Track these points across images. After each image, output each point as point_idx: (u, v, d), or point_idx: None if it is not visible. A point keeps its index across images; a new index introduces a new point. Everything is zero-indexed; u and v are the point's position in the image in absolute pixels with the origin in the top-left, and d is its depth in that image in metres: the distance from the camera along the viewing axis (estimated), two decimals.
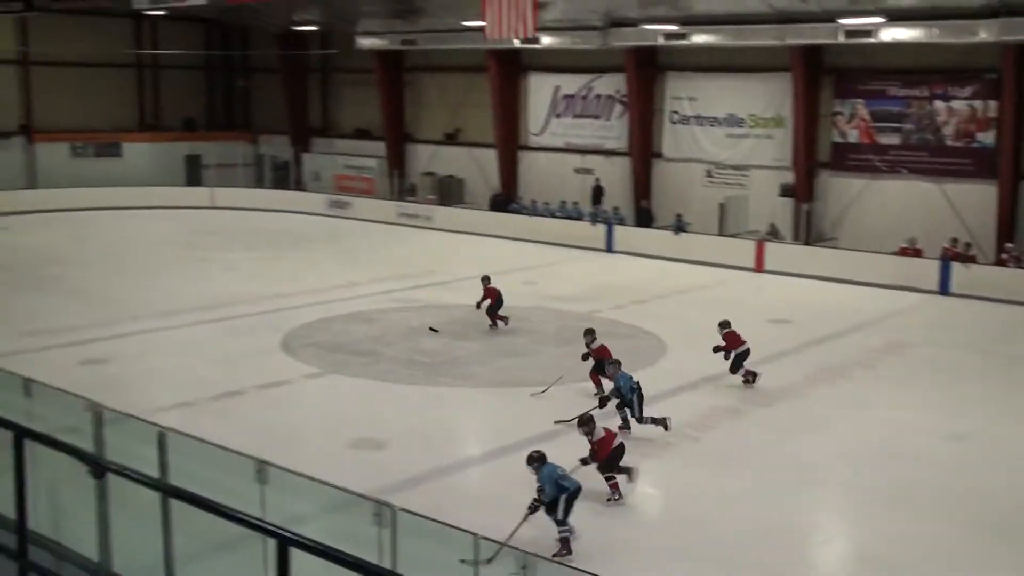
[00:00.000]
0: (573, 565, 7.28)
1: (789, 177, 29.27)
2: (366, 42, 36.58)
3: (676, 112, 31.69)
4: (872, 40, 25.96)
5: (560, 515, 10.54)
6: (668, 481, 13.39)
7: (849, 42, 26.48)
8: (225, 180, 40.22)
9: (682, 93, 31.51)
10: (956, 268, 24.91)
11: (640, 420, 14.27)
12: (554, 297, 23.82)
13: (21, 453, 5.06)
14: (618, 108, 32.89)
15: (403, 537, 6.88)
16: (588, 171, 33.70)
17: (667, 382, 16.82)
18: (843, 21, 25.89)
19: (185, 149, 41.65)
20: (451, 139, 37.66)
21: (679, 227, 29.68)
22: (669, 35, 29.16)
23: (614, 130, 33.08)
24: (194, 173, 41.45)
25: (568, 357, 17.84)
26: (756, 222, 29.31)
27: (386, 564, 6.67)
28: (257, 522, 4.36)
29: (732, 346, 16.67)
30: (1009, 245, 25.06)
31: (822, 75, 28.62)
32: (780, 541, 11.23)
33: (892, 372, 18.26)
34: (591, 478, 11.71)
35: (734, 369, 16.64)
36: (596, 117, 33.60)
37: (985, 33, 24.13)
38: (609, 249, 30.69)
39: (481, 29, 24.65)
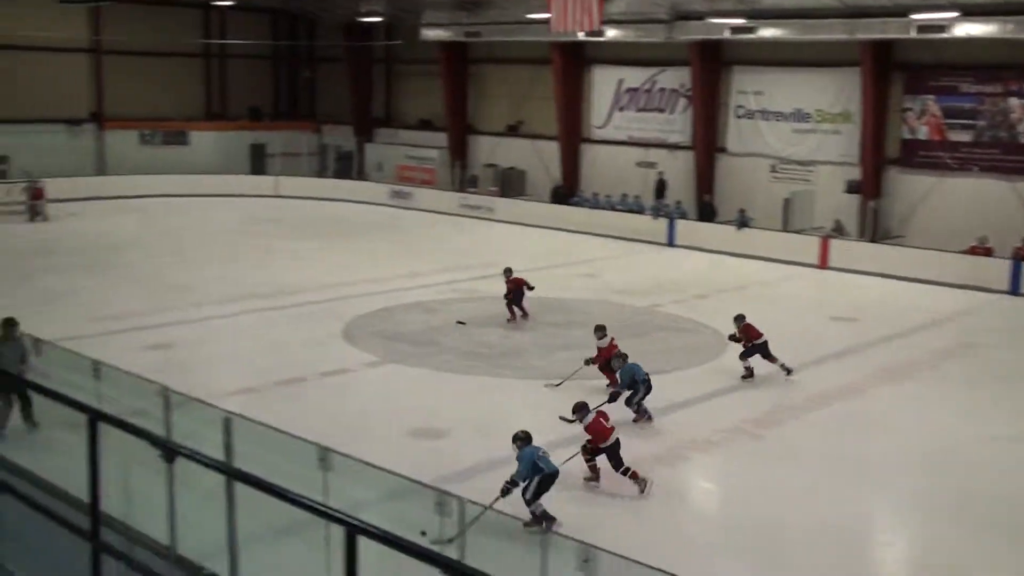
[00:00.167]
0: (633, 558, 7.24)
1: (856, 173, 28.80)
2: (431, 33, 36.71)
3: (741, 106, 31.36)
4: (945, 35, 25.44)
5: (528, 495, 10.56)
6: (727, 478, 13.28)
7: (921, 37, 25.98)
8: (289, 169, 40.68)
9: (748, 87, 31.17)
10: None
11: (634, 406, 14.19)
12: (614, 290, 23.72)
13: (95, 436, 5.16)
14: (682, 102, 32.64)
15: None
16: (650, 165, 33.50)
17: (728, 378, 16.69)
18: (915, 16, 25.41)
19: (250, 138, 42.18)
20: (513, 131, 37.66)
21: (742, 222, 29.39)
22: (735, 29, 28.86)
23: (677, 124, 32.83)
24: (259, 162, 41.96)
25: (627, 348, 17.73)
26: (821, 218, 28.90)
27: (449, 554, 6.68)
28: (325, 509, 4.40)
29: (751, 339, 16.60)
30: None
31: (892, 70, 28.11)
32: (839, 541, 11.08)
33: (958, 374, 17.92)
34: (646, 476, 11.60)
35: (744, 356, 16.54)
36: (660, 111, 33.38)
37: None
38: (671, 243, 30.49)
39: (546, 22, 24.63)
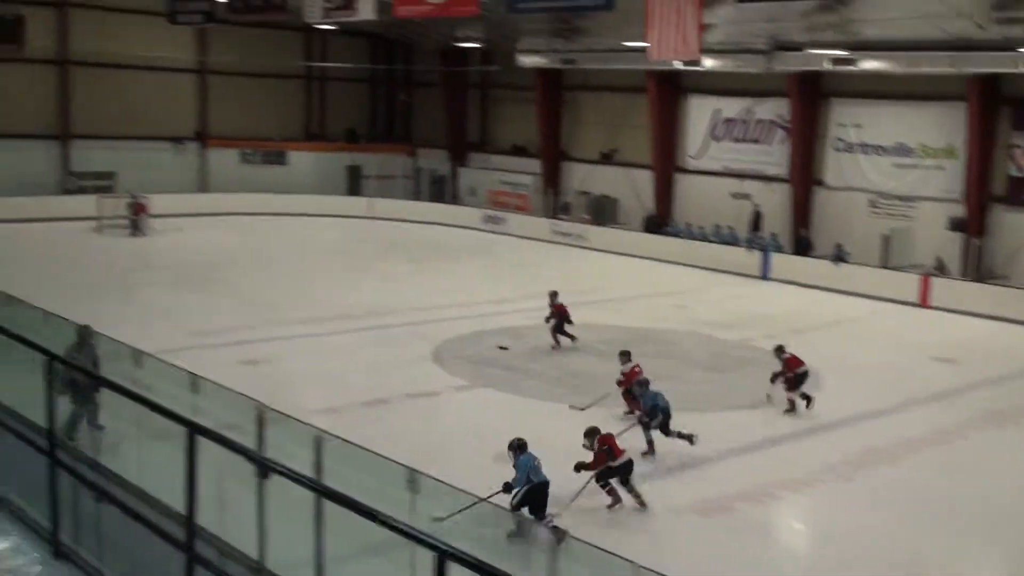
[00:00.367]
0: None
1: (959, 210, 28.02)
2: (527, 60, 36.89)
3: (841, 139, 30.81)
4: None
5: (515, 500, 10.59)
6: (817, 519, 12.93)
7: None
8: (383, 191, 41.23)
9: (847, 120, 30.62)
10: None
11: (662, 431, 14.04)
12: (705, 322, 23.40)
13: (193, 449, 5.22)
14: (779, 133, 32.20)
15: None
16: (745, 196, 33.08)
17: (821, 416, 16.29)
18: None
19: (347, 160, 42.89)
20: (607, 159, 37.59)
21: (839, 257, 28.79)
22: (836, 60, 28.36)
23: (774, 156, 32.39)
24: (354, 183, 42.62)
25: (718, 383, 17.49)
26: (921, 255, 28.16)
27: None
28: (417, 533, 4.36)
29: (791, 369, 16.29)
30: None
31: (1000, 105, 27.33)
32: None
33: None
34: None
35: (791, 388, 16.25)
36: (756, 142, 32.99)
37: None
38: (764, 276, 30.01)
39: (642, 50, 24.51)
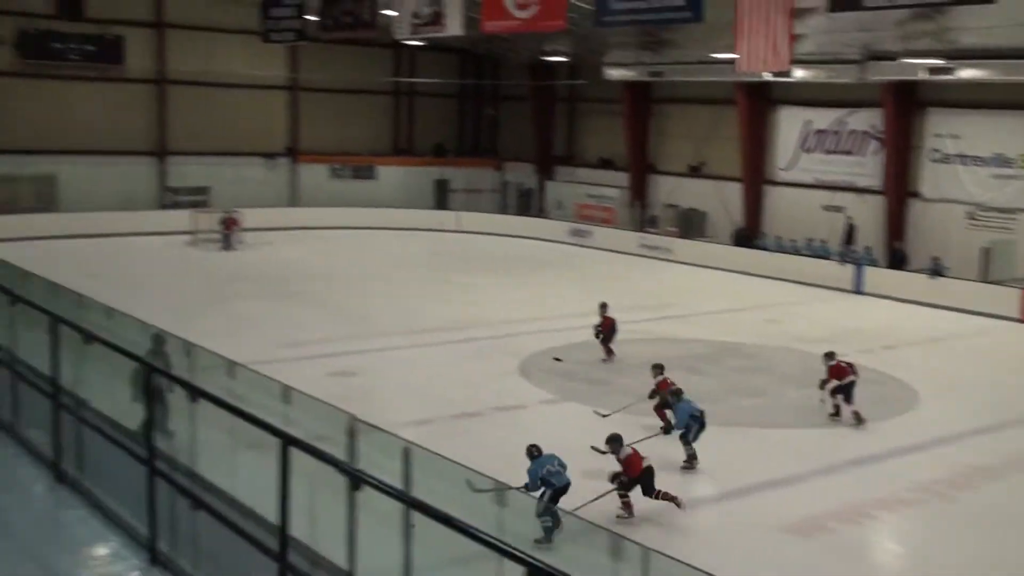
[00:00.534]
0: None
1: None
2: (614, 73, 36.81)
3: (937, 150, 30.04)
4: None
5: (539, 508, 10.58)
6: (914, 539, 12.56)
7: None
8: (471, 205, 41.50)
9: (944, 130, 29.84)
10: None
11: (689, 446, 14.02)
12: (797, 337, 22.98)
13: (286, 460, 5.28)
14: (873, 144, 31.54)
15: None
16: (837, 209, 32.45)
17: (918, 434, 15.88)
18: None
19: (435, 174, 43.31)
20: (695, 171, 37.26)
21: (936, 271, 28.04)
22: (932, 69, 27.69)
23: (867, 167, 31.72)
24: (442, 197, 43.00)
25: (810, 399, 17.16)
26: (1023, 269, 27.29)
27: None
28: (505, 547, 4.33)
29: (838, 377, 16.14)
30: None
31: None
32: None
33: None
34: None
35: (843, 399, 16.12)
36: (848, 153, 32.35)
37: None
38: (858, 290, 29.37)
39: (730, 62, 24.27)
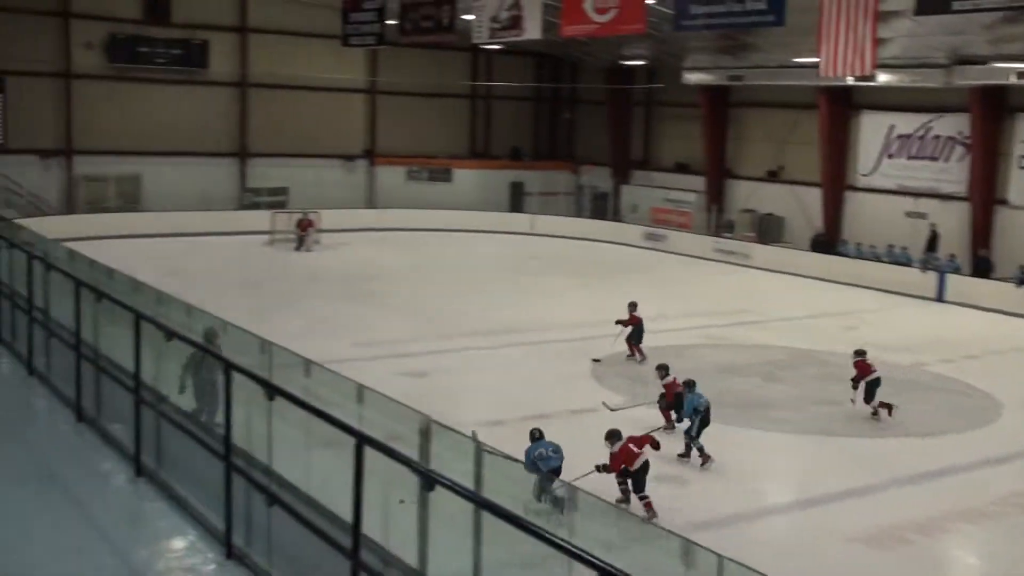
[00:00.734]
0: None
1: None
2: (692, 77, 36.52)
3: None
4: None
5: (535, 492, 10.44)
6: (994, 553, 12.23)
7: None
8: (546, 208, 41.50)
9: None
10: None
11: (690, 438, 14.36)
12: (876, 345, 22.43)
13: (361, 459, 5.33)
14: (958, 150, 30.81)
15: None
16: (920, 215, 31.77)
17: (1000, 447, 15.48)
18: None
19: (510, 177, 43.41)
20: (773, 176, 36.80)
21: (1022, 280, 27.29)
22: (1022, 74, 26.96)
23: (952, 173, 31.00)
24: (517, 200, 43.08)
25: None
26: None
27: None
28: (576, 550, 4.32)
29: (862, 374, 16.56)
30: None
31: None
32: None
33: None
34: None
35: (867, 399, 16.52)
36: (933, 159, 31.64)
37: None
38: (940, 299, 28.71)
39: (811, 66, 23.92)
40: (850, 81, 29.02)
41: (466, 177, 42.70)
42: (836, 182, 34.01)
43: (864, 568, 11.21)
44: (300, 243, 34.30)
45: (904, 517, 12.36)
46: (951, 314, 27.33)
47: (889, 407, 16.48)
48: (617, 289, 29.05)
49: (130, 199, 36.44)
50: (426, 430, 5.96)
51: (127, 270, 12.51)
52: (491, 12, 26.07)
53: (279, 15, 38.10)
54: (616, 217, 41.43)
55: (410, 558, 6.08)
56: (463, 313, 24.32)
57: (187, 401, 9.14)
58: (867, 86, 31.00)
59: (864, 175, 33.69)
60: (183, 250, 32.24)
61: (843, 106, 33.60)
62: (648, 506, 12.19)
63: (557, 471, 11.51)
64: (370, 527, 5.81)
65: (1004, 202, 29.79)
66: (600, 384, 18.37)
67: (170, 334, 8.40)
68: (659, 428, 15.16)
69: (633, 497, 12.37)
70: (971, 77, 28.37)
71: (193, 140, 37.21)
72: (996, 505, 13.05)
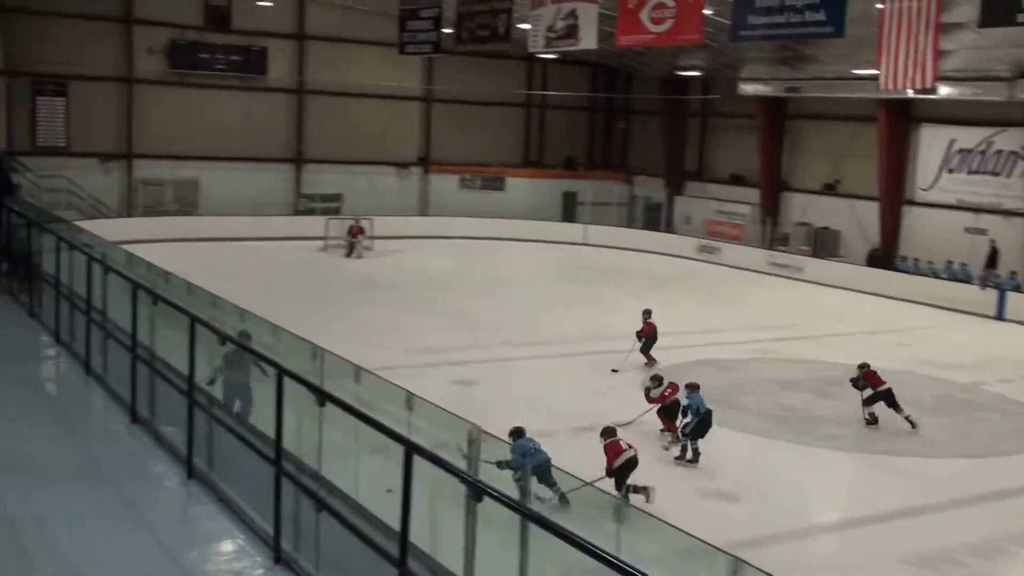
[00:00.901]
0: None
1: None
2: (749, 88, 36.25)
3: None
4: None
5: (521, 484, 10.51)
6: None
7: None
8: (598, 218, 41.40)
9: None
10: None
11: (683, 436, 14.76)
12: (930, 363, 22.17)
13: (410, 468, 5.34)
14: (1021, 165, 30.24)
15: None
16: (980, 231, 31.21)
17: None
18: None
19: (563, 186, 43.39)
20: (830, 189, 36.39)
21: None
22: None
23: (1014, 189, 30.42)
24: (570, 209, 43.02)
25: (942, 427, 16.54)
26: None
27: None
28: (623, 564, 4.28)
29: (873, 386, 16.90)
30: None
31: None
32: None
33: None
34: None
35: (867, 403, 16.93)
36: (995, 174, 31.08)
37: None
38: (1000, 316, 28.17)
39: (873, 78, 23.61)
40: (910, 94, 28.60)
41: (519, 186, 42.74)
42: (894, 196, 33.54)
43: None
44: (350, 250, 34.55)
45: (959, 539, 12.13)
46: (1011, 333, 26.79)
47: (912, 423, 16.80)
48: (669, 301, 28.88)
49: (187, 203, 36.94)
50: (476, 439, 5.95)
51: (183, 273, 12.66)
52: (547, 22, 26.07)
53: (336, 23, 38.45)
54: (669, 228, 41.21)
55: (456, 568, 6.07)
56: (514, 322, 24.31)
57: (216, 392, 9.27)
58: (928, 99, 30.56)
59: (923, 189, 33.19)
60: (238, 255, 32.62)
61: (903, 119, 33.14)
62: (636, 489, 12.48)
63: (548, 463, 11.58)
64: (417, 535, 5.83)
65: None
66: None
67: (224, 338, 8.49)
68: (669, 438, 15.48)
69: (636, 496, 12.56)
70: None
71: (250, 146, 37.66)
72: None
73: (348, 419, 6.46)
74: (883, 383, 16.96)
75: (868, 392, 17.04)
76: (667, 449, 15.24)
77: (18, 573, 6.87)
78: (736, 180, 40.13)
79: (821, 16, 19.69)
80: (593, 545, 4.71)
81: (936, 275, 30.81)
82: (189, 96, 36.66)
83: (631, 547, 7.40)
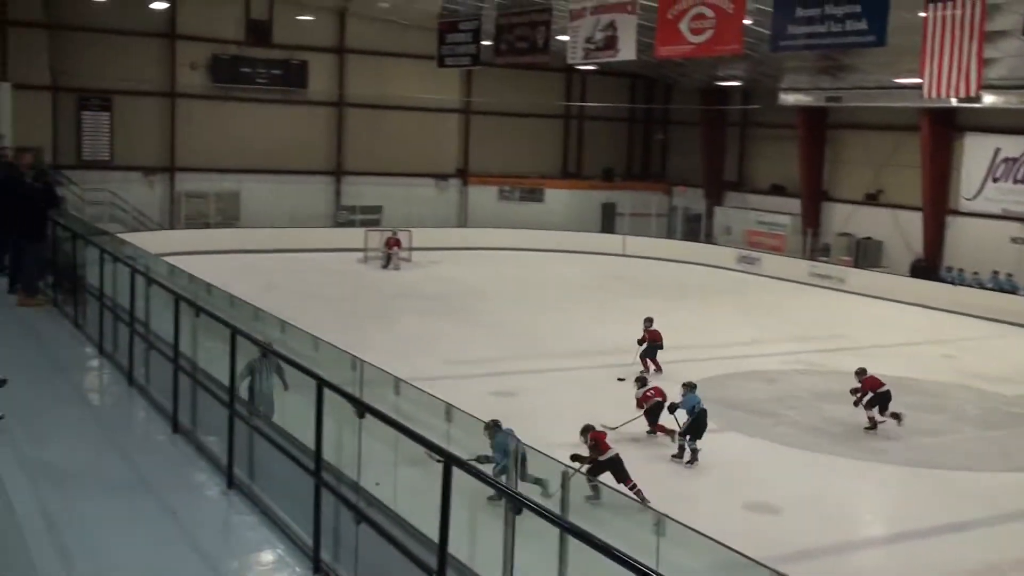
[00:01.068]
0: None
1: None
2: (789, 98, 36.03)
3: None
4: None
5: (502, 477, 10.28)
6: None
7: None
8: (637, 229, 41.25)
9: None
10: None
11: (680, 435, 15.06)
12: (977, 375, 21.85)
13: (449, 481, 5.32)
14: None
15: None
16: None
17: None
18: None
19: (602, 197, 43.31)
20: (872, 199, 36.03)
21: None
22: None
23: None
24: (608, 221, 42.92)
25: (991, 441, 16.28)
26: None
27: None
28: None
29: (872, 388, 17.02)
30: None
31: None
32: None
33: None
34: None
35: (878, 409, 16.95)
36: None
37: None
38: None
39: (916, 87, 23.37)
40: (954, 103, 28.27)
41: (558, 197, 42.71)
42: (938, 206, 33.15)
43: None
44: (387, 261, 34.71)
45: (1007, 554, 11.93)
46: None
47: (898, 416, 17.04)
48: (709, 312, 28.74)
49: (229, 215, 37.31)
50: (514, 452, 5.92)
51: (224, 285, 12.76)
52: (586, 33, 26.07)
53: (376, 36, 38.71)
54: (709, 239, 40.99)
55: None
56: (552, 333, 24.26)
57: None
58: (972, 108, 30.18)
59: (968, 199, 32.78)
60: (278, 266, 32.86)
61: (946, 128, 32.77)
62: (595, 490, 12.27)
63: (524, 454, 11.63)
64: (456, 547, 5.81)
65: None
66: None
67: (265, 350, 8.51)
68: (673, 437, 15.73)
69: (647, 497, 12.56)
70: None
71: (290, 158, 37.97)
72: None
73: (387, 431, 6.46)
74: (882, 385, 17.17)
75: (868, 396, 17.16)
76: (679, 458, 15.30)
77: None
78: (777, 190, 39.86)
79: (863, 25, 19.52)
80: (632, 558, 4.66)
81: (981, 286, 30.41)
82: (231, 110, 37.06)
83: (671, 561, 7.35)
